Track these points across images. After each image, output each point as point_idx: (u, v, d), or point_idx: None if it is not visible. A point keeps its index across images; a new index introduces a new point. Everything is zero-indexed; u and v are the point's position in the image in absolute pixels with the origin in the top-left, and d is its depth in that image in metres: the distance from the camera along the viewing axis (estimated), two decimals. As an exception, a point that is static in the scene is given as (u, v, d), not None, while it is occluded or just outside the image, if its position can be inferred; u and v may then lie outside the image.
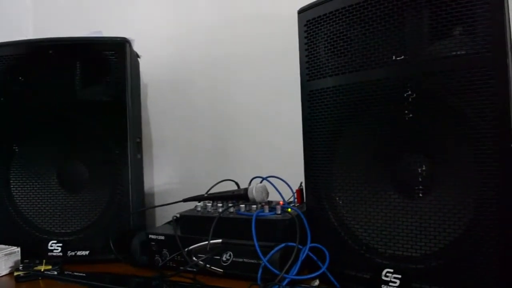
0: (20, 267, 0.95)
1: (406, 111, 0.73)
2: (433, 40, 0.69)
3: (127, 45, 1.10)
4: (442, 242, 0.69)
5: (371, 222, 0.78)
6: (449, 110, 0.68)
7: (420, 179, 0.73)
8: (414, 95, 0.71)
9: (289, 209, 0.92)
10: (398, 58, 0.73)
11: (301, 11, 0.89)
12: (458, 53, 0.67)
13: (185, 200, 1.06)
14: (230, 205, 0.98)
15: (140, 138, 1.22)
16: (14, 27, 1.69)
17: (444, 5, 0.67)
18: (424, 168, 0.72)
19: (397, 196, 0.76)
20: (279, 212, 0.91)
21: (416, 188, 0.73)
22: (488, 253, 0.64)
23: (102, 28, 1.29)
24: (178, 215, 1.00)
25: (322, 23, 0.84)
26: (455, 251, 0.67)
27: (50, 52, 1.09)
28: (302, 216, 0.87)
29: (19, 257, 1.01)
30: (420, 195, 0.73)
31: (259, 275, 0.80)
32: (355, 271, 0.79)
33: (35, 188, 1.11)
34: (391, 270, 0.74)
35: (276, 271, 0.79)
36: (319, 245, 0.83)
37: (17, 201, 1.10)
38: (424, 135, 0.72)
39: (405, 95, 0.72)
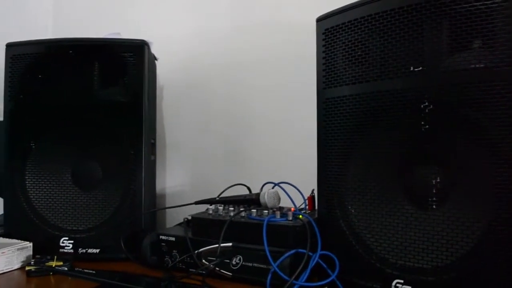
0: (32, 262, 0.95)
1: (423, 122, 0.73)
2: (452, 52, 0.69)
3: (146, 47, 1.11)
4: (454, 254, 0.69)
5: (383, 232, 0.78)
6: (466, 122, 0.68)
7: (434, 191, 0.72)
8: (431, 107, 0.71)
9: (300, 216, 0.92)
10: (416, 69, 0.73)
11: (319, 20, 0.89)
12: (477, 66, 0.67)
13: (197, 203, 1.07)
14: (241, 209, 0.98)
15: (154, 139, 1.23)
16: (34, 27, 1.72)
17: (464, 18, 0.67)
18: (438, 180, 0.72)
19: (410, 207, 0.76)
20: (290, 218, 0.91)
21: (430, 199, 0.73)
22: (501, 267, 0.64)
23: (119, 29, 1.30)
24: (189, 217, 1.01)
25: (341, 32, 0.84)
26: (467, 264, 0.67)
27: (70, 52, 1.11)
28: (313, 223, 0.87)
29: (31, 252, 1.02)
30: (434, 206, 0.72)
31: (268, 280, 0.80)
32: (364, 280, 0.79)
33: (49, 185, 1.12)
34: (401, 281, 0.74)
35: (286, 277, 0.79)
36: (329, 253, 0.83)
37: (31, 196, 1.11)
38: (440, 146, 0.72)
39: (422, 106, 0.72)
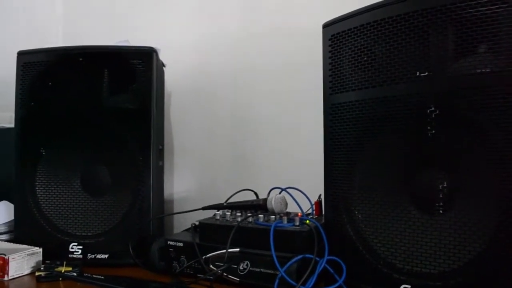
0: (42, 268, 0.96)
1: (429, 127, 0.73)
2: (458, 57, 0.70)
3: (154, 54, 1.13)
4: (461, 260, 0.68)
5: (390, 237, 0.78)
6: (472, 127, 0.68)
7: (440, 196, 0.72)
8: (437, 112, 0.72)
9: (308, 221, 0.92)
10: (422, 74, 0.73)
11: (326, 25, 0.90)
12: (483, 70, 0.67)
13: (204, 208, 1.07)
14: (248, 214, 0.98)
15: (162, 145, 1.24)
16: (45, 35, 1.75)
17: (469, 22, 0.67)
18: (445, 185, 0.72)
19: (417, 212, 0.75)
20: (297, 223, 0.91)
21: (437, 204, 0.73)
22: (508, 273, 0.64)
23: (128, 37, 1.32)
24: (197, 223, 1.01)
25: (347, 38, 0.85)
26: (474, 270, 0.67)
27: (80, 59, 1.12)
28: (320, 228, 0.87)
29: (40, 258, 1.03)
30: (440, 211, 0.72)
31: (275, 285, 0.80)
32: (372, 285, 0.79)
33: (59, 191, 1.13)
34: (409, 286, 0.74)
35: (293, 282, 0.79)
36: (336, 258, 0.83)
37: (41, 202, 1.12)
38: (446, 151, 0.72)
39: (428, 111, 0.72)
